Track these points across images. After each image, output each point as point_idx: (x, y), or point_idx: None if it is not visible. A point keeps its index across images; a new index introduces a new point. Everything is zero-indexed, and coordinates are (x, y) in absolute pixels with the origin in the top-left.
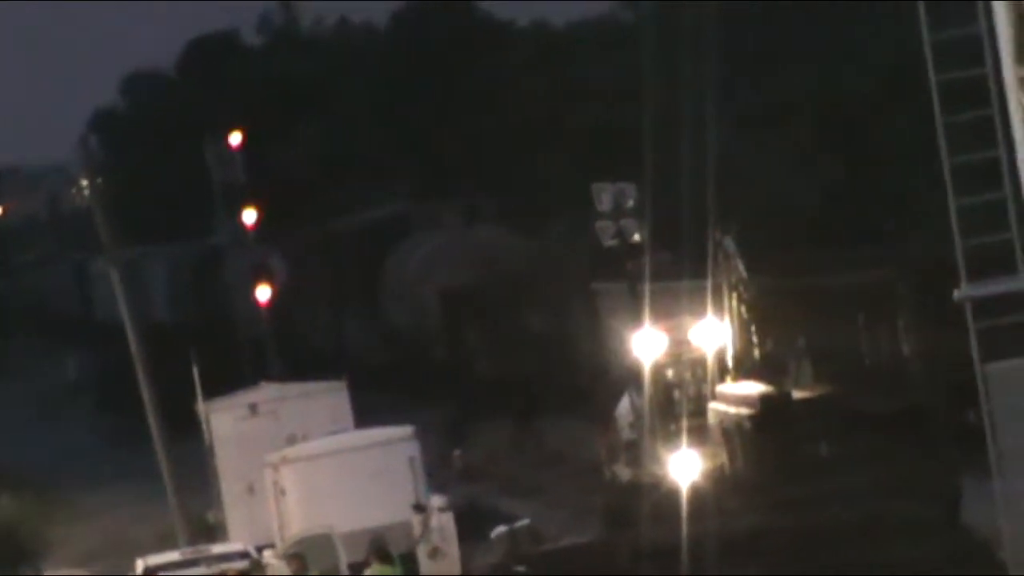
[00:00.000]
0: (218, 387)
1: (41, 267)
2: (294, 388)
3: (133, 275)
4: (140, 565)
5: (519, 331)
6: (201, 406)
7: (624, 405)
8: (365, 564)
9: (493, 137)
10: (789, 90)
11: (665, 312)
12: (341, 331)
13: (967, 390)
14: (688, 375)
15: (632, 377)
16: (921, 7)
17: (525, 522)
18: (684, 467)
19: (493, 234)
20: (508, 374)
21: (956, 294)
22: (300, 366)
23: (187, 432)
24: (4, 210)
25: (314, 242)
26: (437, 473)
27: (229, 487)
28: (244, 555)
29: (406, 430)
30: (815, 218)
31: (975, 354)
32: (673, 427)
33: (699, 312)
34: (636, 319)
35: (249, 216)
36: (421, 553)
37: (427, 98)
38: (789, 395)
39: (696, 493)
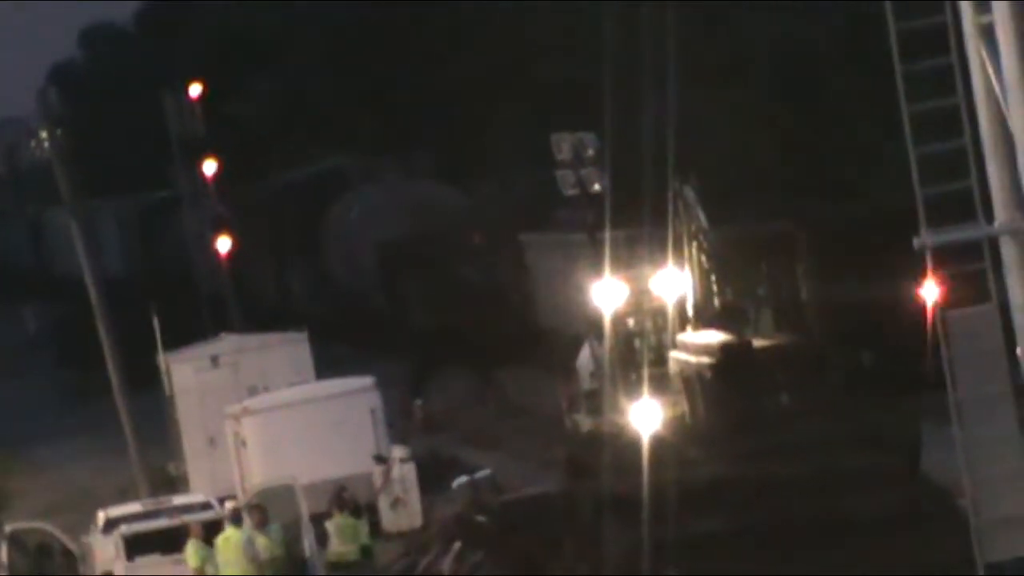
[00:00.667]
0: (173, 339)
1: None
2: (255, 340)
3: (87, 228)
4: (102, 517)
5: (454, 282)
6: (162, 358)
7: (585, 355)
8: (327, 515)
9: (447, 90)
10: (747, 42)
11: (620, 261)
12: (285, 284)
13: (860, 335)
14: (649, 324)
15: (592, 327)
16: None
17: (486, 472)
18: (645, 417)
19: (430, 189)
20: (446, 325)
21: (915, 241)
22: (247, 319)
23: (147, 384)
24: None
25: (257, 196)
26: (398, 424)
27: (190, 439)
28: (206, 506)
29: (367, 381)
30: (771, 169)
31: (933, 302)
32: (634, 376)
33: (655, 261)
34: (591, 269)
35: (209, 167)
36: (383, 504)
37: (383, 51)
38: (750, 344)
39: (657, 443)
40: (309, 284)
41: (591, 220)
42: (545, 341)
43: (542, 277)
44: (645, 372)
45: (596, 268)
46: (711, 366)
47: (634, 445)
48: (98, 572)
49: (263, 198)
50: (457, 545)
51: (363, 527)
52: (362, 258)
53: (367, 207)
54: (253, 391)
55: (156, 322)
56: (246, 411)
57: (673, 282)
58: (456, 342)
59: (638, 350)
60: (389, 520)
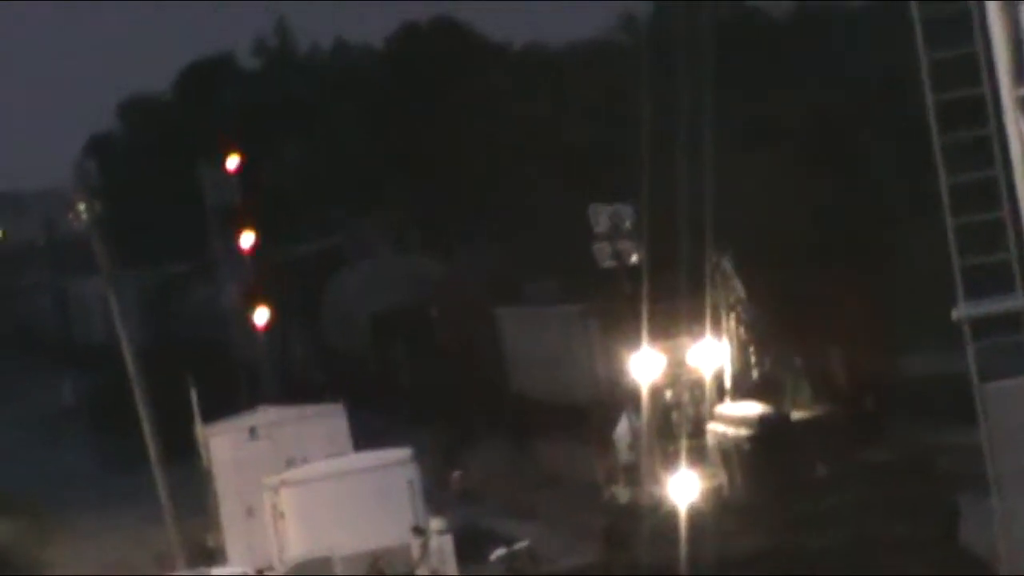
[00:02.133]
0: (202, 409)
1: (34, 292)
2: (292, 412)
3: (106, 299)
4: None
5: (435, 350)
6: (200, 430)
7: (623, 427)
8: None
9: (478, 160)
10: (777, 109)
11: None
12: (289, 352)
13: None
14: (686, 396)
15: (630, 399)
16: (918, 27)
17: (524, 544)
18: (683, 488)
19: (416, 262)
20: (430, 386)
21: (954, 313)
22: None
23: (183, 455)
24: (3, 235)
25: (266, 268)
26: (434, 495)
27: (228, 510)
28: None
29: (404, 453)
30: (804, 238)
31: (973, 373)
32: (672, 448)
33: (692, 332)
34: (629, 341)
35: (246, 239)
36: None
37: (419, 122)
38: (788, 416)
39: (695, 514)
40: (311, 352)
41: (629, 292)
42: (575, 411)
43: (514, 346)
44: (683, 444)
45: (634, 340)
46: (749, 438)
47: (672, 517)
48: None
49: (271, 272)
50: None
51: None
52: (358, 327)
53: (361, 281)
54: (291, 463)
55: (193, 393)
56: (284, 483)
57: (710, 353)
58: (492, 410)
59: (676, 422)
60: None
